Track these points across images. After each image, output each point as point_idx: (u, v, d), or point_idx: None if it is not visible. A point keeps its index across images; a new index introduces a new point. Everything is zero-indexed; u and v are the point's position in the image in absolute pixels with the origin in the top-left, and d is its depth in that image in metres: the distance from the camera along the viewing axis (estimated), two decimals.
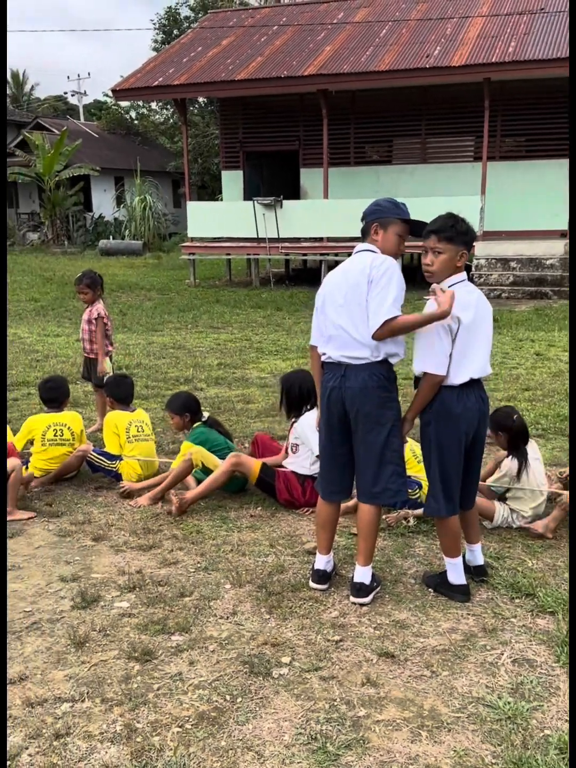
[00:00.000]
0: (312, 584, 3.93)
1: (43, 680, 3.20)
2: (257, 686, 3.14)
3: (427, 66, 15.98)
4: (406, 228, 3.71)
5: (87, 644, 3.45)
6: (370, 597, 3.79)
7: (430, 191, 17.04)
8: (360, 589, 3.78)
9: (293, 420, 5.06)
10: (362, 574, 3.80)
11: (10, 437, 5.54)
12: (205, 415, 5.56)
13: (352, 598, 3.79)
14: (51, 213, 33.00)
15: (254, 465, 4.98)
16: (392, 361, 3.69)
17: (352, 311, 3.65)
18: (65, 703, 3.05)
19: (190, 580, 4.03)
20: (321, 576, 3.92)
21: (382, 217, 3.69)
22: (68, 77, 63.43)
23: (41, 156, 31.88)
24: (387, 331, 3.56)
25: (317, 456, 4.28)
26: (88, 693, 3.11)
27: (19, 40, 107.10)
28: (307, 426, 4.80)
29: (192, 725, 2.91)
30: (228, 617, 3.67)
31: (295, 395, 5.01)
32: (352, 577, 3.85)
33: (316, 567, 3.96)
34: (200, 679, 3.19)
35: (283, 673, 3.23)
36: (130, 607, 3.78)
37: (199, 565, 4.21)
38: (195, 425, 5.44)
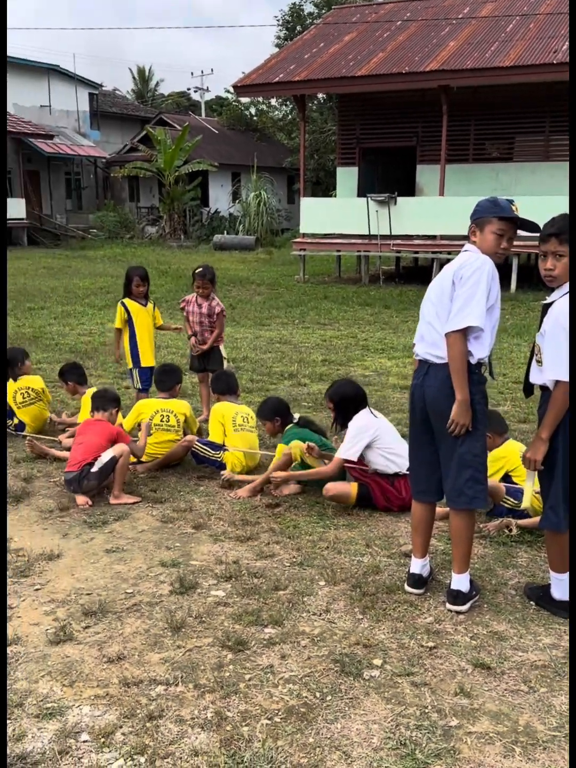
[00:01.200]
0: (407, 588, 3.87)
1: (140, 661, 3.29)
2: (347, 686, 3.12)
3: (554, 62, 15.44)
4: (505, 225, 3.55)
5: (183, 629, 3.53)
6: (468, 605, 3.70)
7: (553, 190, 16.48)
8: (457, 597, 3.70)
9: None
10: (459, 581, 3.71)
11: (119, 418, 5.73)
12: (296, 416, 5.58)
13: (448, 606, 3.72)
14: (169, 207, 33.88)
15: (351, 491, 4.88)
16: (472, 360, 3.55)
17: (438, 309, 3.61)
18: (160, 685, 3.12)
19: (285, 574, 4.05)
20: (416, 580, 3.86)
21: (480, 217, 3.60)
22: (192, 74, 64.93)
23: (162, 151, 32.75)
24: (454, 340, 3.48)
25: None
26: (181, 677, 3.17)
27: (147, 36, 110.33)
28: (350, 425, 4.85)
29: (281, 719, 2.92)
30: (321, 614, 3.67)
31: (343, 405, 4.96)
32: (449, 583, 3.77)
33: (411, 571, 3.90)
34: (291, 673, 3.20)
35: (374, 675, 3.19)
36: (225, 596, 3.83)
37: (294, 560, 4.22)
38: (287, 427, 5.47)
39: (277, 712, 2.96)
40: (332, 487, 4.85)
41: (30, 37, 79.70)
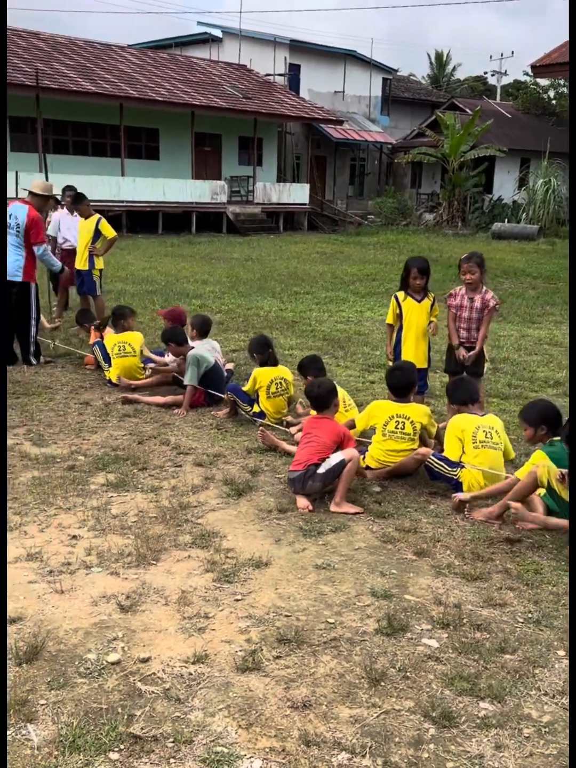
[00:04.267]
0: None
1: (327, 714, 2.83)
2: None
3: None
4: None
5: (382, 683, 3.01)
6: None
7: None
8: None
9: None
10: None
11: (353, 413, 5.33)
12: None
13: None
14: (450, 194, 33.03)
15: None
16: None
17: None
18: (344, 752, 2.64)
19: (515, 633, 3.36)
20: None
21: None
22: (490, 57, 62.73)
23: (450, 136, 31.95)
24: None
25: None
26: (371, 748, 2.65)
27: (450, 21, 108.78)
28: None
29: None
30: (554, 696, 2.95)
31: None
32: None
33: None
34: None
35: None
36: (439, 648, 3.24)
37: (529, 616, 3.50)
38: (553, 440, 4.64)
39: None
40: None
41: (333, 23, 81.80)
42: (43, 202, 8.19)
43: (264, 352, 6.38)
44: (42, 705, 2.85)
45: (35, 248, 7.93)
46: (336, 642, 3.29)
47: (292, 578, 3.82)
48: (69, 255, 9.93)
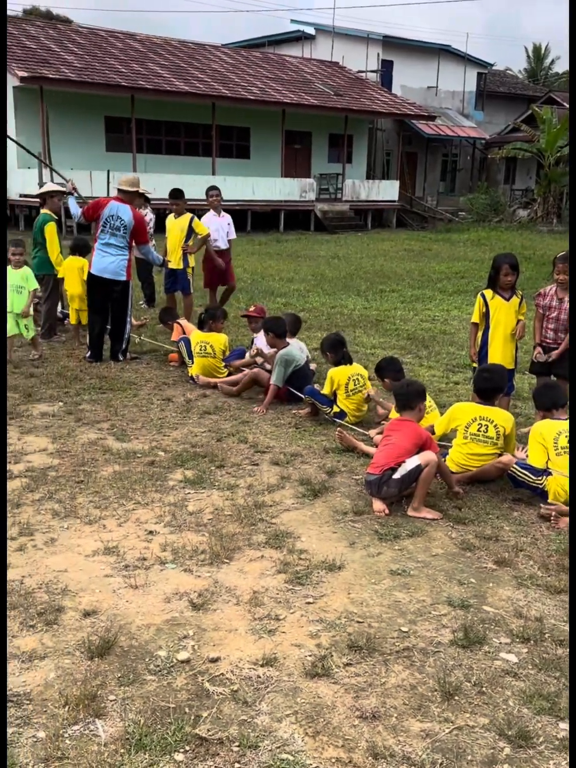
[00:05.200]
0: None
1: (397, 727, 2.74)
2: None
3: None
4: None
5: (456, 698, 2.89)
6: None
7: None
8: None
9: None
10: None
11: (434, 415, 5.19)
12: None
13: None
14: (545, 190, 32.12)
15: None
16: None
17: None
18: (413, 767, 2.54)
19: None
20: None
21: None
22: None
23: (546, 131, 31.09)
24: None
25: None
26: (441, 764, 2.55)
27: (549, 13, 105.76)
28: None
29: None
30: None
31: None
32: None
33: None
34: None
35: None
36: (517, 664, 3.10)
37: None
38: None
39: None
40: None
41: (428, 18, 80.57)
42: (132, 198, 8.33)
43: (338, 351, 6.31)
44: (111, 701, 2.86)
45: (141, 247, 8.16)
46: (409, 652, 3.19)
47: (365, 583, 3.73)
48: (219, 255, 10.03)
